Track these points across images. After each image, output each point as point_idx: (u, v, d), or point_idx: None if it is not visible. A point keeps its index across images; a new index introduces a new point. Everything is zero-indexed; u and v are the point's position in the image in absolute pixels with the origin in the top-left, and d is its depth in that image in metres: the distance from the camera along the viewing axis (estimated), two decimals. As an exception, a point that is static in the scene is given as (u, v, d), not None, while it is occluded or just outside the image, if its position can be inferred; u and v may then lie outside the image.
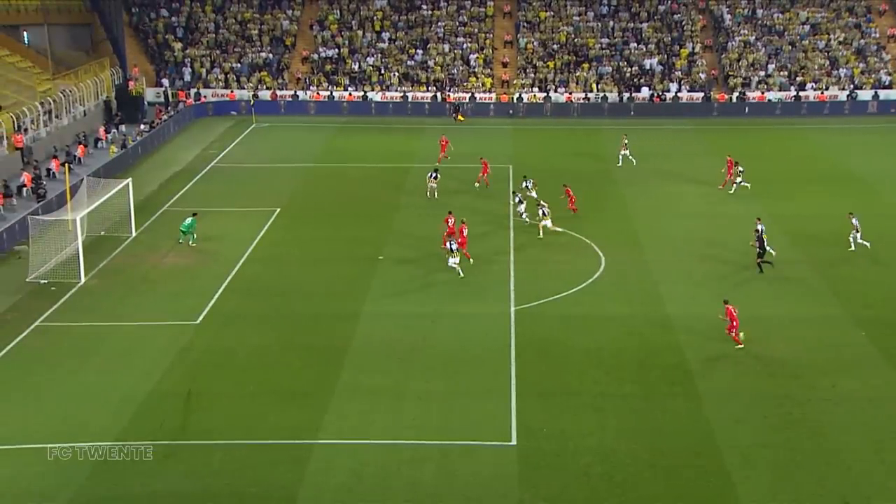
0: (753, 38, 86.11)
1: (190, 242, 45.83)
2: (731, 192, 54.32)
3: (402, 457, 28.71)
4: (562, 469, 28.16)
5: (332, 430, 30.06)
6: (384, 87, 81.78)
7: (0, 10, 72.66)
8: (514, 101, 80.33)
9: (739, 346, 35.56)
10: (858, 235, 45.47)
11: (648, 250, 45.39)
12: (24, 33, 74.69)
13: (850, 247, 45.36)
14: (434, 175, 53.92)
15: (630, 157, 61.37)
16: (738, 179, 54.72)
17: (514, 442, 29.40)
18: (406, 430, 30.08)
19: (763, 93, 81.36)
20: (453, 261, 41.95)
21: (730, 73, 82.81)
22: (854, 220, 45.73)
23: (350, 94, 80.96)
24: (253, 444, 29.32)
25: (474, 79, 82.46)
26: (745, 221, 47.83)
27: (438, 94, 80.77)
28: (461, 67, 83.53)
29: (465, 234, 44.36)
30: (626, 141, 61.80)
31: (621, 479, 27.70)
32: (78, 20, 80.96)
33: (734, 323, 35.71)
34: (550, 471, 28.07)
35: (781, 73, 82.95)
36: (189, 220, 46.20)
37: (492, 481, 27.63)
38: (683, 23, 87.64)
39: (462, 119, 77.32)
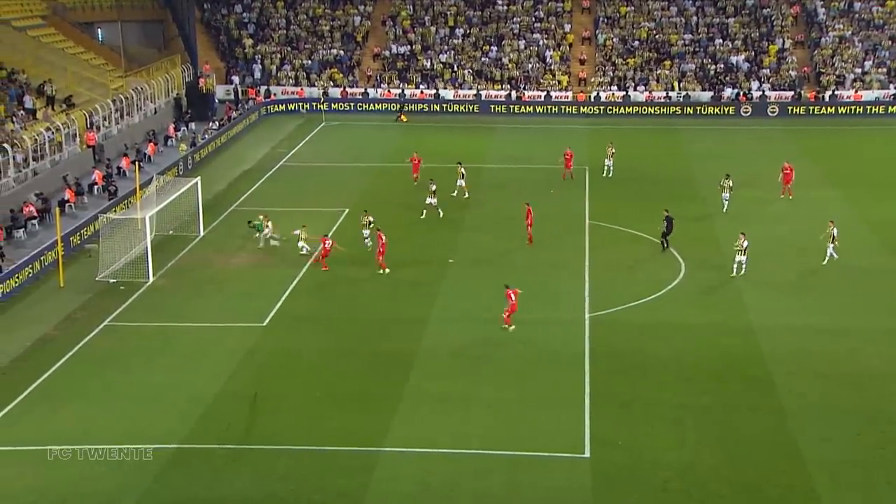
0: (850, 32, 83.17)
1: (269, 241, 45.54)
2: (724, 210, 50.75)
3: (469, 467, 27.77)
4: (638, 483, 26.95)
5: (398, 437, 29.21)
6: (457, 85, 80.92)
7: (75, 7, 73.33)
8: (592, 99, 78.90)
9: (509, 327, 36.15)
10: (832, 247, 42.48)
11: (731, 256, 43.77)
12: (98, 30, 75.33)
13: (824, 260, 42.68)
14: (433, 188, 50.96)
15: (611, 167, 57.64)
16: (725, 195, 50.74)
17: (587, 454, 28.26)
18: (474, 439, 29.10)
19: (858, 91, 78.49)
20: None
21: (822, 70, 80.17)
22: (834, 230, 42.64)
23: (422, 92, 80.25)
24: (319, 450, 28.60)
25: (550, 76, 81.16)
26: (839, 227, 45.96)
27: (513, 93, 79.67)
28: (537, 65, 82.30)
29: (382, 240, 42.36)
30: (613, 150, 58.29)
31: (701, 496, 26.42)
32: (151, 17, 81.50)
33: (512, 307, 35.86)
34: (626, 485, 26.88)
35: (879, 70, 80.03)
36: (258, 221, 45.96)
37: (564, 495, 26.56)
38: (773, 17, 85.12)
39: (405, 120, 75.63)
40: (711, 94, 78.98)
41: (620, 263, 43.55)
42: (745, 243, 41.07)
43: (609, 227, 48.24)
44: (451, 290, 40.43)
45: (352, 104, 79.25)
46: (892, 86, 78.49)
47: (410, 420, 30.17)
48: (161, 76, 70.88)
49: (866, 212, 50.76)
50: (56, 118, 56.12)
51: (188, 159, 60.45)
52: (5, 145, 49.46)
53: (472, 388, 32.24)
